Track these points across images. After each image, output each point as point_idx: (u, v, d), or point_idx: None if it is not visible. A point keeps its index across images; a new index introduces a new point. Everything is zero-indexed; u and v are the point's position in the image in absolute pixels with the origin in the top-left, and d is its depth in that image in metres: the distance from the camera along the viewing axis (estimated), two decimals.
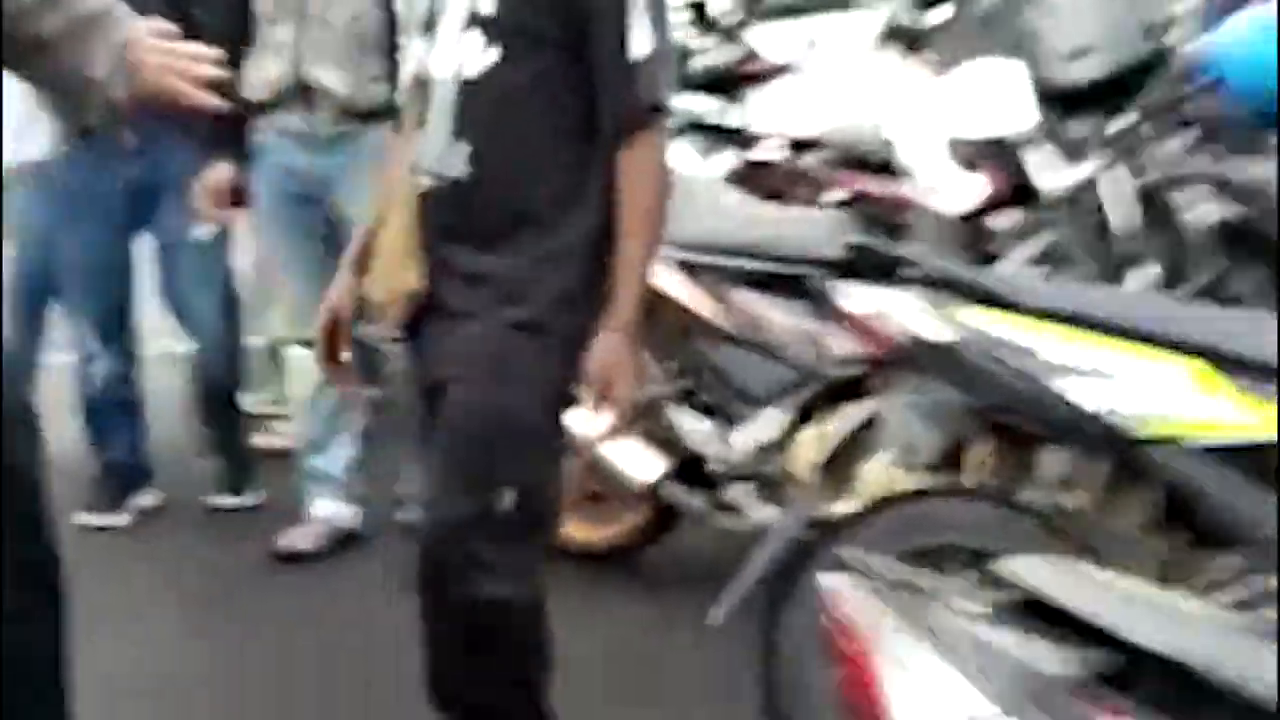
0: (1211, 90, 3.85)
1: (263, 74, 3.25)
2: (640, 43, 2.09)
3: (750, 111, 5.32)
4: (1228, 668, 1.14)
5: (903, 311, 2.36)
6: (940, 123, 3.10)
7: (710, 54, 5.80)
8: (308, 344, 3.49)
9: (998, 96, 2.95)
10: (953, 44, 3.36)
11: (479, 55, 2.14)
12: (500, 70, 2.13)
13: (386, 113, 3.15)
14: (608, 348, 2.15)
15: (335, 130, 3.26)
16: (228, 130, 3.30)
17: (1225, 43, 3.93)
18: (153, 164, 3.58)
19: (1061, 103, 2.90)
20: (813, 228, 3.12)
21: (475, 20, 2.14)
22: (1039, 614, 1.24)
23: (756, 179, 4.73)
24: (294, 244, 3.45)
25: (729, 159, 4.92)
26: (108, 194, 3.60)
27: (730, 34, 5.91)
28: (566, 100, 2.14)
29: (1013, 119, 2.91)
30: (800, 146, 4.67)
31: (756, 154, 4.67)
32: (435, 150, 2.20)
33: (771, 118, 5.12)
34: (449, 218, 2.19)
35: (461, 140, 2.17)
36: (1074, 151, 2.95)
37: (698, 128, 5.33)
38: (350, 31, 3.18)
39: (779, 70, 5.67)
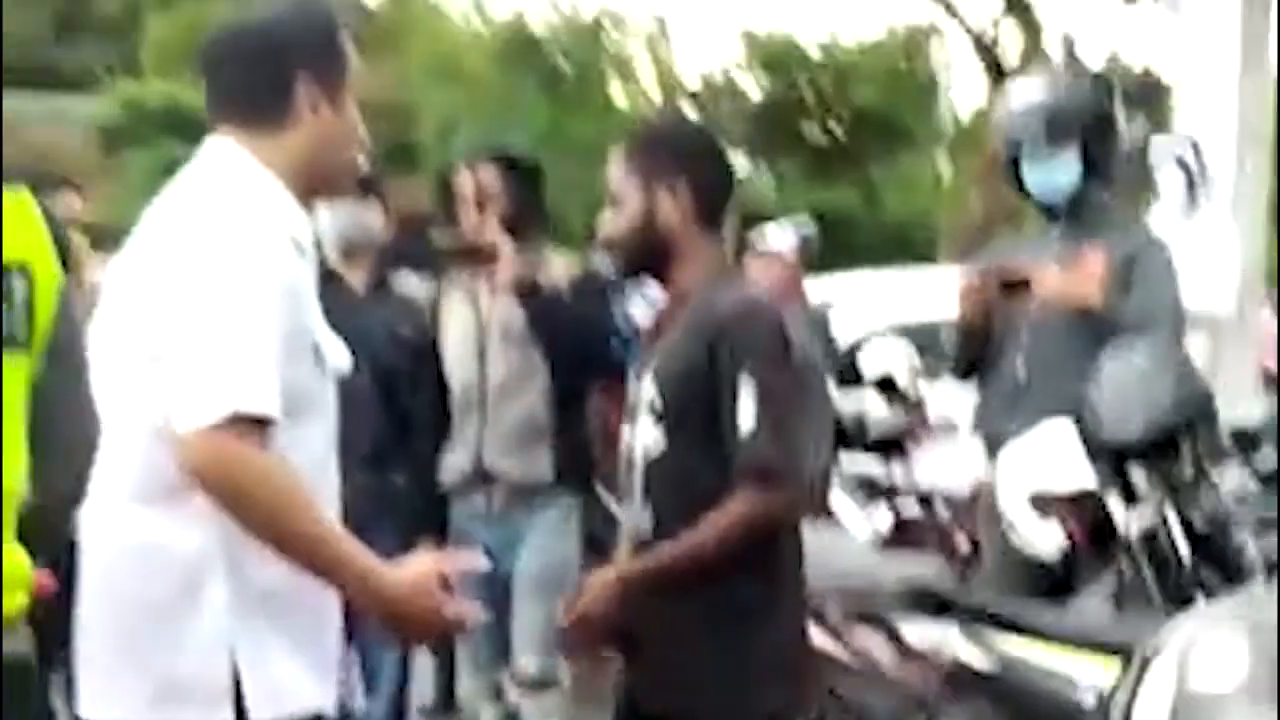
0: None
1: (453, 463, 3.79)
2: (745, 418, 2.48)
3: (910, 469, 5.83)
4: None
5: (950, 643, 2.75)
6: (1022, 477, 3.50)
7: (886, 419, 6.35)
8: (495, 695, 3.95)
9: (1062, 454, 3.34)
10: (994, 416, 3.79)
11: (654, 437, 2.62)
12: (668, 449, 2.60)
13: (553, 489, 3.71)
14: (602, 579, 2.55)
15: (510, 508, 3.75)
16: (430, 511, 3.83)
17: None
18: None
19: (1120, 455, 3.27)
20: (907, 571, 3.53)
21: (651, 410, 2.64)
22: None
23: (905, 531, 5.20)
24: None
25: (886, 514, 5.41)
26: None
27: (912, 403, 6.47)
28: (720, 470, 2.53)
29: (1075, 475, 3.30)
30: (949, 501, 5.13)
31: (904, 509, 5.16)
32: (635, 515, 2.68)
33: (925, 476, 5.62)
34: None
35: (648, 507, 2.64)
36: (1138, 498, 3.30)
37: (867, 484, 5.84)
38: (521, 424, 3.72)
39: (944, 429, 6.18)
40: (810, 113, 26.11)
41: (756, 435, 2.46)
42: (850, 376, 6.74)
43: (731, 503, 2.47)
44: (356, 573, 1.98)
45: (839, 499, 5.61)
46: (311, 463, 2.09)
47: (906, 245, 22.80)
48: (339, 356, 2.16)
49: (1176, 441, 3.25)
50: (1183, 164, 6.07)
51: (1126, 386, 3.15)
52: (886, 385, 6.53)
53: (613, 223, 2.66)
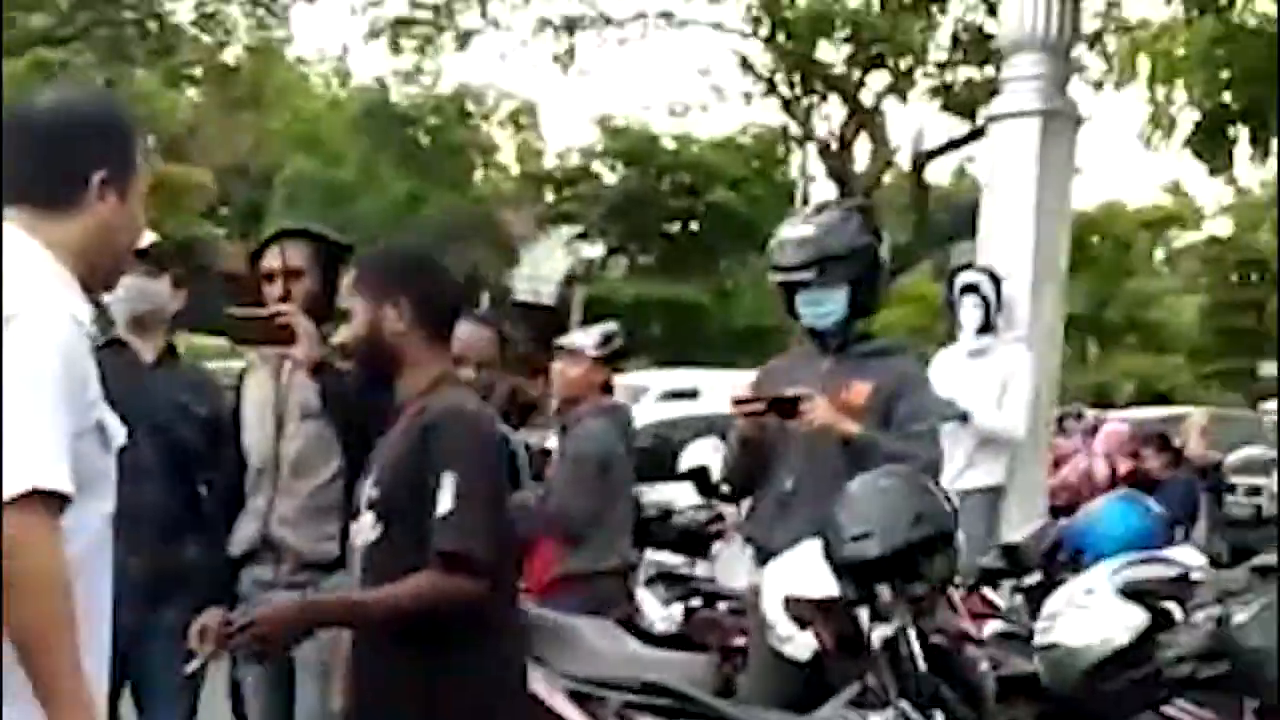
0: (1075, 558, 4.53)
1: (242, 533, 3.84)
2: (443, 503, 2.72)
3: (711, 566, 6.06)
4: None
5: None
6: (779, 583, 3.72)
7: (688, 514, 6.58)
8: None
9: (814, 565, 3.56)
10: (762, 525, 4.03)
11: (371, 529, 2.85)
12: (382, 539, 2.83)
13: (339, 564, 3.80)
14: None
15: (295, 579, 3.78)
16: (219, 580, 3.85)
17: (1085, 522, 4.65)
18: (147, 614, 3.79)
19: (866, 570, 3.49)
20: (676, 667, 3.73)
21: (370, 503, 2.88)
22: None
23: (694, 627, 5.41)
24: (262, 673, 3.88)
25: (678, 609, 5.61)
26: None
27: (724, 498, 6.70)
28: (425, 560, 2.74)
29: (823, 583, 3.52)
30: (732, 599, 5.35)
31: (693, 604, 5.38)
32: None
33: (723, 573, 5.85)
34: None
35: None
36: (884, 612, 3.53)
37: (668, 577, 6.04)
38: (311, 500, 3.77)
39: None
40: (666, 206, 26.63)
41: (448, 521, 2.69)
42: (660, 470, 7.00)
43: (416, 576, 2.70)
44: (69, 700, 2.00)
45: (642, 592, 5.81)
46: (94, 539, 2.15)
47: (756, 344, 23.35)
48: (117, 430, 2.23)
49: (917, 559, 3.50)
50: (980, 294, 6.49)
51: (866, 508, 3.36)
52: (700, 478, 6.79)
53: (344, 334, 2.94)
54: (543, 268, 28.72)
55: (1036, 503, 6.75)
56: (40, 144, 2.21)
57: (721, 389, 8.66)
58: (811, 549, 3.60)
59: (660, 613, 5.70)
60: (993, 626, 4.46)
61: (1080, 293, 26.69)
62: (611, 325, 5.40)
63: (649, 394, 9.46)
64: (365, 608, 2.78)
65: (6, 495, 1.93)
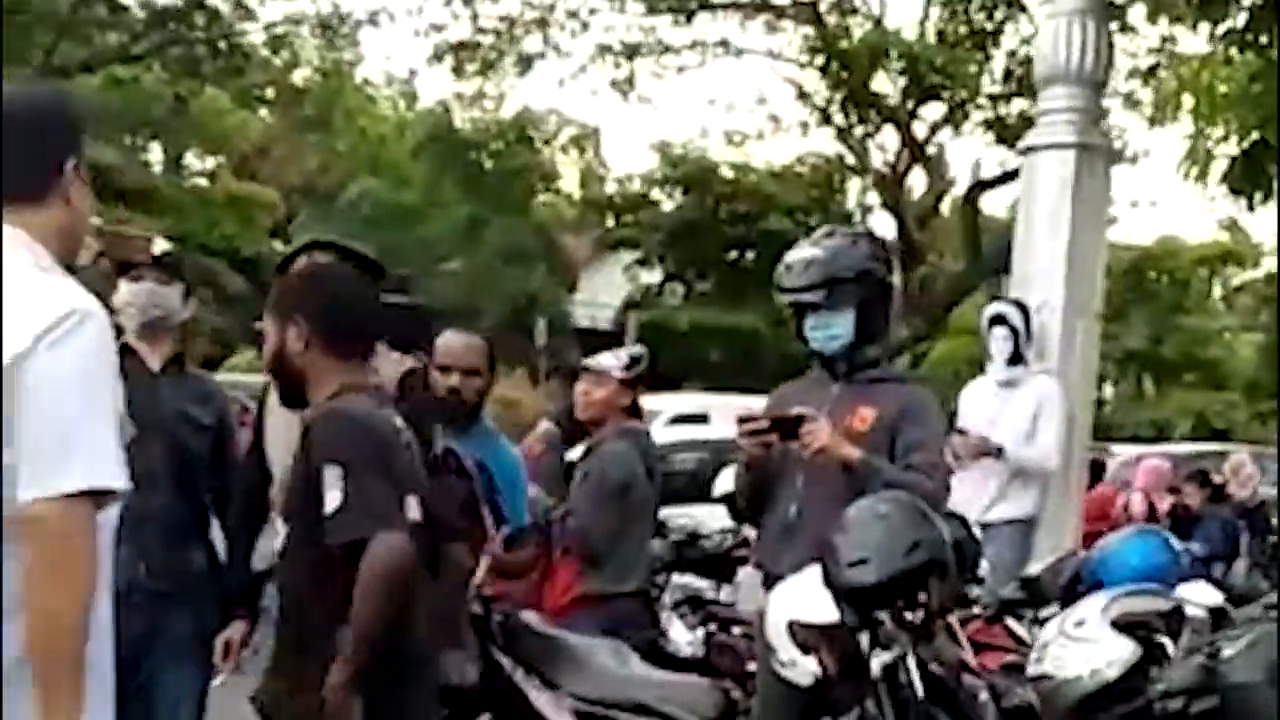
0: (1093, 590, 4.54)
1: (267, 547, 3.75)
2: (331, 500, 2.82)
3: (732, 590, 6.11)
4: None
5: None
6: (783, 608, 3.76)
7: (715, 538, 6.63)
8: None
9: (817, 590, 3.60)
10: (768, 550, 4.07)
11: (280, 534, 3.00)
12: (288, 543, 2.99)
13: None
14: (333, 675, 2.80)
15: None
16: (245, 592, 3.96)
17: (1103, 554, 4.65)
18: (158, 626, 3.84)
19: (864, 596, 3.53)
20: (672, 692, 3.79)
21: (280, 509, 3.04)
22: None
23: (712, 649, 5.47)
24: None
25: (700, 634, 5.67)
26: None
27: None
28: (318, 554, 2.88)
29: (825, 608, 3.56)
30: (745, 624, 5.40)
31: (713, 628, 5.44)
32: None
33: (744, 599, 5.90)
34: None
35: (280, 595, 3.07)
36: (883, 639, 3.56)
37: (694, 601, 6.10)
38: None
39: None
40: (724, 233, 26.65)
41: (336, 519, 2.80)
42: (689, 493, 7.06)
43: (356, 589, 2.77)
44: (69, 695, 2.06)
45: (669, 615, 5.86)
46: (112, 529, 2.22)
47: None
48: (127, 425, 2.30)
49: (915, 586, 3.53)
50: (1009, 325, 6.49)
51: (864, 534, 3.39)
52: (733, 503, 6.84)
53: (263, 357, 3.11)
54: (601, 293, 28.83)
55: (1066, 535, 6.73)
56: (16, 137, 2.24)
57: (732, 414, 8.65)
58: (814, 574, 3.64)
59: (685, 637, 5.75)
60: (1010, 658, 4.47)
61: (1138, 328, 26.49)
62: (639, 348, 5.44)
63: (659, 418, 9.48)
64: (361, 638, 2.79)
65: (63, 489, 2.01)
